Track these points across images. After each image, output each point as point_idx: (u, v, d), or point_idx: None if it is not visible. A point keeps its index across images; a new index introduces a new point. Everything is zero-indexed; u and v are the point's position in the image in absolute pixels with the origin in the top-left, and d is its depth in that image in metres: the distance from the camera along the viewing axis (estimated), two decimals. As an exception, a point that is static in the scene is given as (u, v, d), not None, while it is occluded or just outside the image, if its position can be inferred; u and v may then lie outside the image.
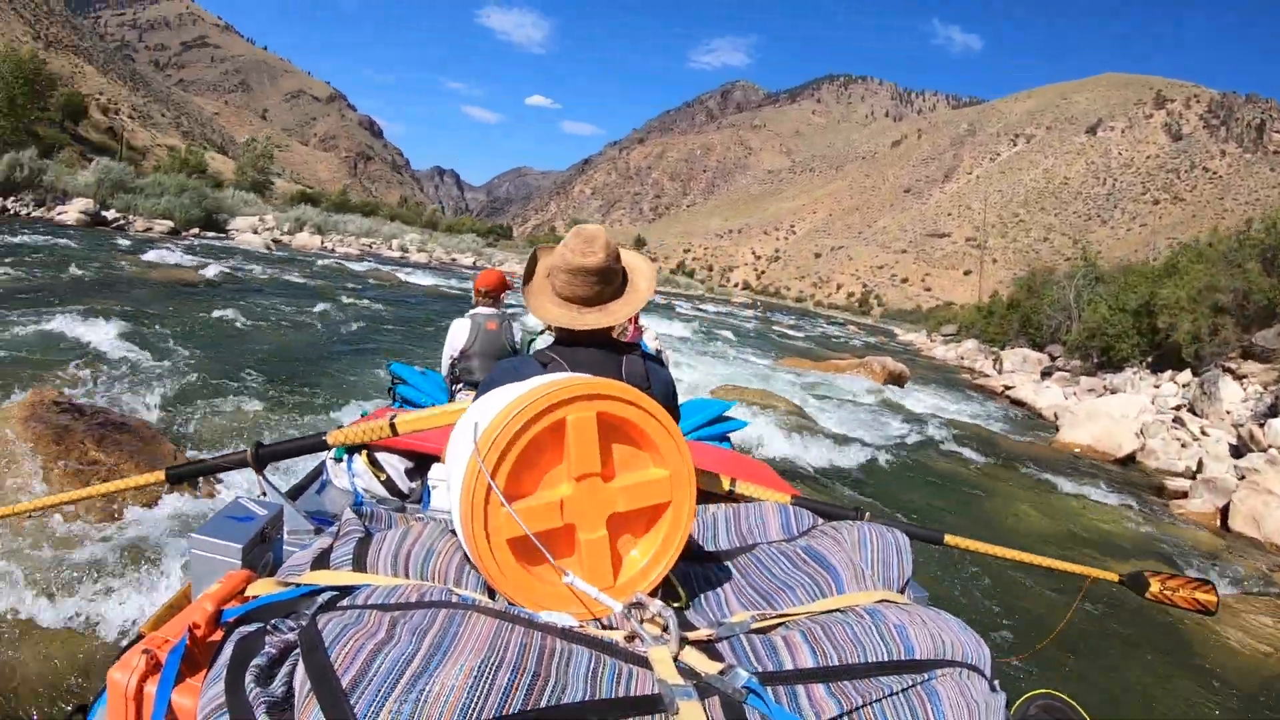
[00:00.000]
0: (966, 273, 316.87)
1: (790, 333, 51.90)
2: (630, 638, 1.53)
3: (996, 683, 1.60)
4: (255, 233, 43.49)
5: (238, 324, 15.50)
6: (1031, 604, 6.83)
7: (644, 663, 1.41)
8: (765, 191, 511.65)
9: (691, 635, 1.61)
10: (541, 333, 6.22)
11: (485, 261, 69.18)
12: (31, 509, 2.87)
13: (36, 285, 16.53)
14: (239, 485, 5.96)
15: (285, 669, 1.35)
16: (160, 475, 2.71)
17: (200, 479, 6.04)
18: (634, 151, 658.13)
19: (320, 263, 36.90)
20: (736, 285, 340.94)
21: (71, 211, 36.08)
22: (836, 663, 1.51)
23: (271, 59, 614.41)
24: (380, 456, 3.77)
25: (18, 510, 2.79)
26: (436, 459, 3.44)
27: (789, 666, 1.52)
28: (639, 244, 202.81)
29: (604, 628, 1.64)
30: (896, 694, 1.46)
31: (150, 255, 25.63)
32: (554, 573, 1.68)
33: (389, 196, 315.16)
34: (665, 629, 1.53)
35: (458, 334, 6.04)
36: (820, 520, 2.34)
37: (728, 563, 2.16)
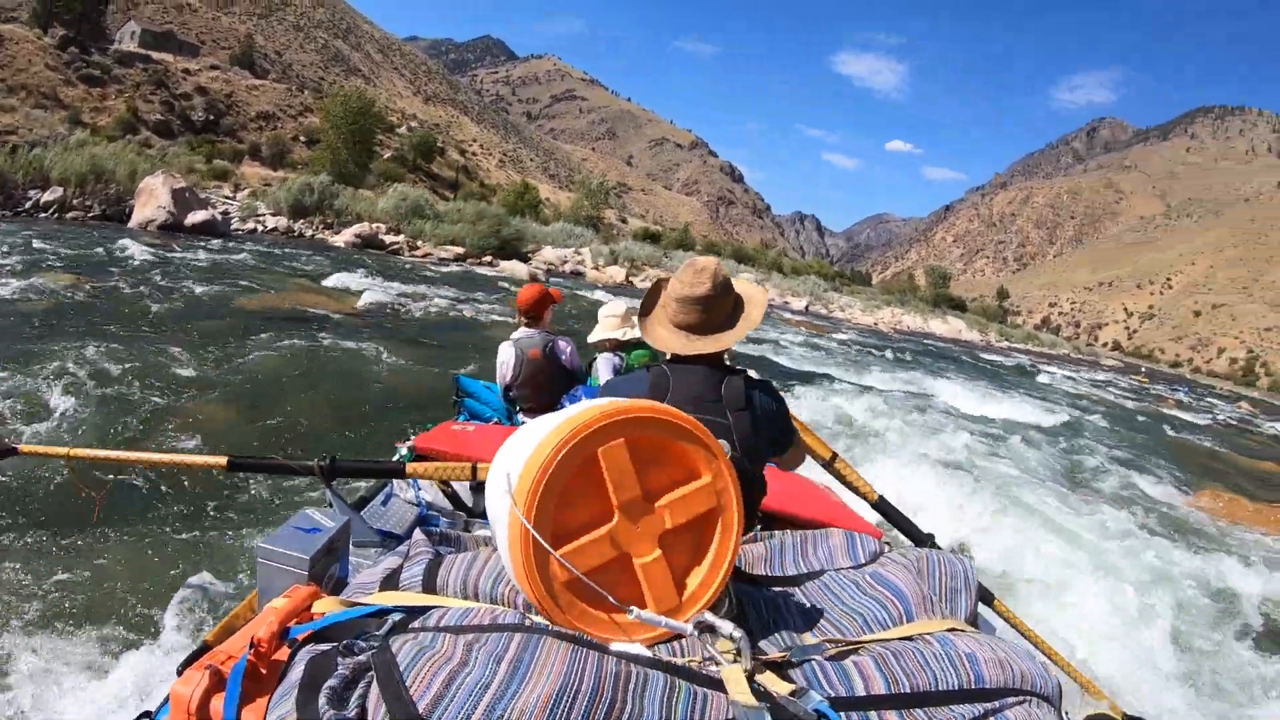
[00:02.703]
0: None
1: (1183, 417, 36.50)
2: (703, 661, 1.57)
3: (1066, 712, 1.64)
4: (525, 262, 39.98)
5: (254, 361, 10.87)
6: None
7: (718, 685, 1.44)
8: (1138, 240, 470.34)
9: (764, 658, 1.65)
10: (601, 353, 5.81)
11: (822, 306, 61.90)
12: (68, 454, 2.97)
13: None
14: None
15: (359, 691, 1.36)
16: (223, 461, 2.87)
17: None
18: (997, 197, 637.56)
19: (584, 296, 30.30)
20: (1105, 345, 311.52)
21: (346, 234, 34.92)
22: (908, 690, 1.54)
23: (635, 109, 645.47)
24: None
25: (48, 451, 3.06)
26: None
27: (861, 692, 1.55)
28: (1001, 296, 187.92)
29: (676, 653, 1.68)
30: None
31: (332, 279, 20.75)
32: (618, 605, 1.69)
33: (748, 240, 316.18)
34: (738, 652, 1.55)
35: (503, 361, 5.51)
36: (887, 547, 2.35)
37: (796, 589, 2.18)
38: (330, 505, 2.97)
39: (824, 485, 4.27)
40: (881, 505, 3.17)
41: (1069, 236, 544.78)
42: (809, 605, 2.05)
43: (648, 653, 1.56)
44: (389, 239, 36.53)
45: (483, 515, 3.58)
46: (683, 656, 1.62)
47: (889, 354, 33.86)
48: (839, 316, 58.53)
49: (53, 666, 4.02)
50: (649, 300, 2.75)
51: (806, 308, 57.61)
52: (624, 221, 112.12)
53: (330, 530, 2.25)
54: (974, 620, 1.99)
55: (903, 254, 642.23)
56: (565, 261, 45.26)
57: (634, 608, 1.63)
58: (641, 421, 1.73)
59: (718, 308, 2.57)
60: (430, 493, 3.76)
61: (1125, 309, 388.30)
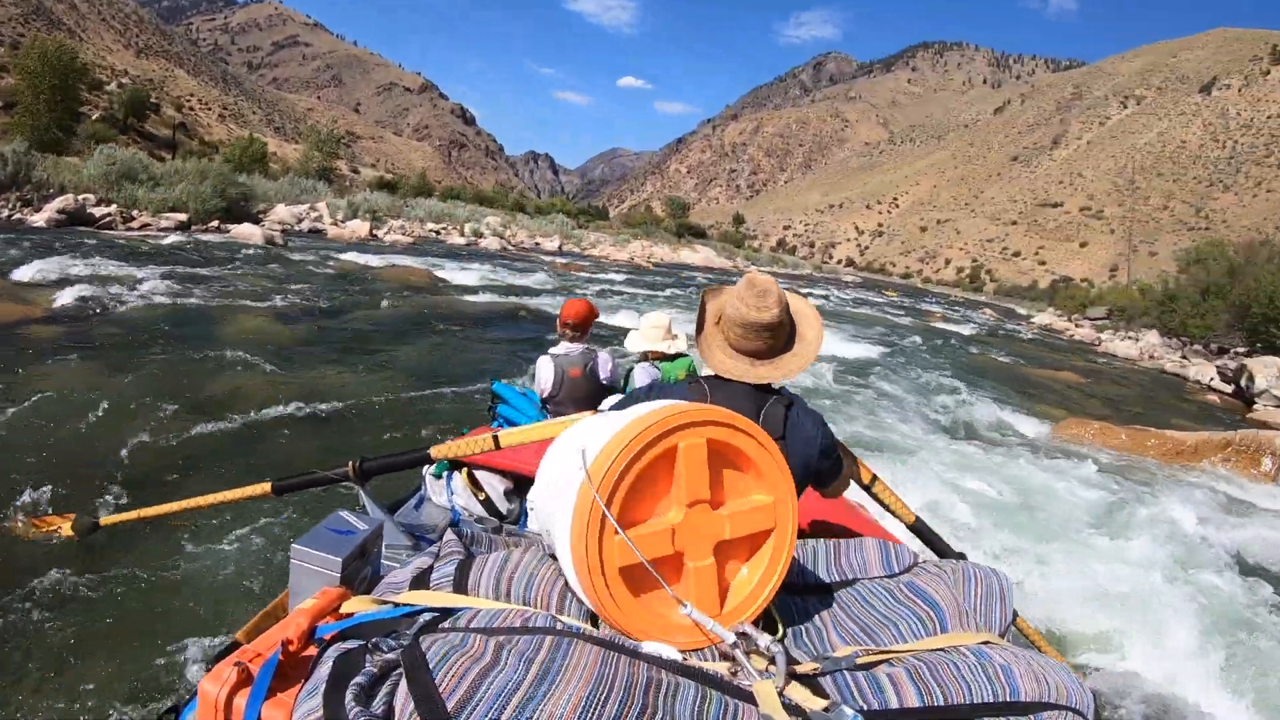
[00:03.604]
0: (1083, 245, 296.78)
1: (959, 330, 40.19)
2: (734, 671, 1.56)
3: None
4: (258, 224, 36.70)
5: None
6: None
7: (749, 697, 1.43)
8: (864, 165, 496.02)
9: (796, 669, 1.62)
10: (637, 363, 5.64)
11: (574, 245, 61.40)
12: (139, 517, 3.11)
13: None
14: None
15: (386, 689, 1.35)
16: (267, 488, 2.99)
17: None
18: (728, 128, 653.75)
19: (334, 259, 28.20)
20: (840, 262, 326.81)
21: (47, 211, 29.77)
22: (942, 702, 1.51)
23: (362, 53, 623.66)
24: (480, 476, 3.85)
25: (125, 518, 3.14)
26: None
27: (894, 705, 1.52)
28: (738, 221, 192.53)
29: (708, 659, 1.66)
30: None
31: (26, 271, 15.60)
32: (661, 602, 1.70)
33: (483, 183, 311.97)
34: (771, 662, 1.56)
35: (543, 377, 5.45)
36: (921, 558, 2.32)
37: (830, 596, 2.17)
38: (363, 507, 2.95)
39: (856, 503, 4.19)
40: (918, 527, 3.08)
41: (799, 163, 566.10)
42: (842, 613, 2.04)
43: (679, 657, 1.56)
44: (99, 211, 32.10)
45: (516, 522, 3.63)
46: (713, 662, 1.62)
47: (667, 291, 33.47)
48: (594, 254, 58.25)
49: (83, 662, 4.04)
50: (701, 318, 2.71)
51: (560, 248, 57.05)
52: (356, 172, 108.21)
53: (364, 533, 2.25)
54: (1007, 635, 1.94)
55: (638, 186, 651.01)
56: (301, 219, 42.72)
57: (687, 603, 1.65)
58: (726, 428, 1.75)
59: (781, 332, 2.56)
60: (464, 498, 3.75)
61: (856, 228, 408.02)
